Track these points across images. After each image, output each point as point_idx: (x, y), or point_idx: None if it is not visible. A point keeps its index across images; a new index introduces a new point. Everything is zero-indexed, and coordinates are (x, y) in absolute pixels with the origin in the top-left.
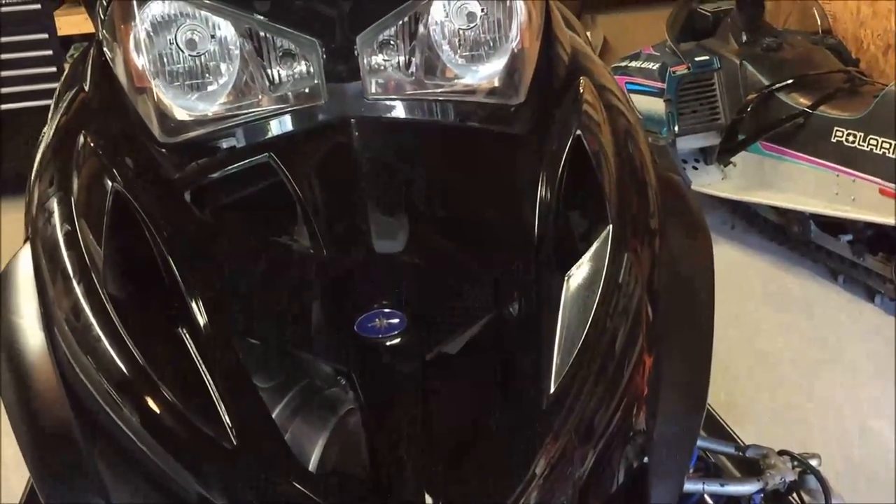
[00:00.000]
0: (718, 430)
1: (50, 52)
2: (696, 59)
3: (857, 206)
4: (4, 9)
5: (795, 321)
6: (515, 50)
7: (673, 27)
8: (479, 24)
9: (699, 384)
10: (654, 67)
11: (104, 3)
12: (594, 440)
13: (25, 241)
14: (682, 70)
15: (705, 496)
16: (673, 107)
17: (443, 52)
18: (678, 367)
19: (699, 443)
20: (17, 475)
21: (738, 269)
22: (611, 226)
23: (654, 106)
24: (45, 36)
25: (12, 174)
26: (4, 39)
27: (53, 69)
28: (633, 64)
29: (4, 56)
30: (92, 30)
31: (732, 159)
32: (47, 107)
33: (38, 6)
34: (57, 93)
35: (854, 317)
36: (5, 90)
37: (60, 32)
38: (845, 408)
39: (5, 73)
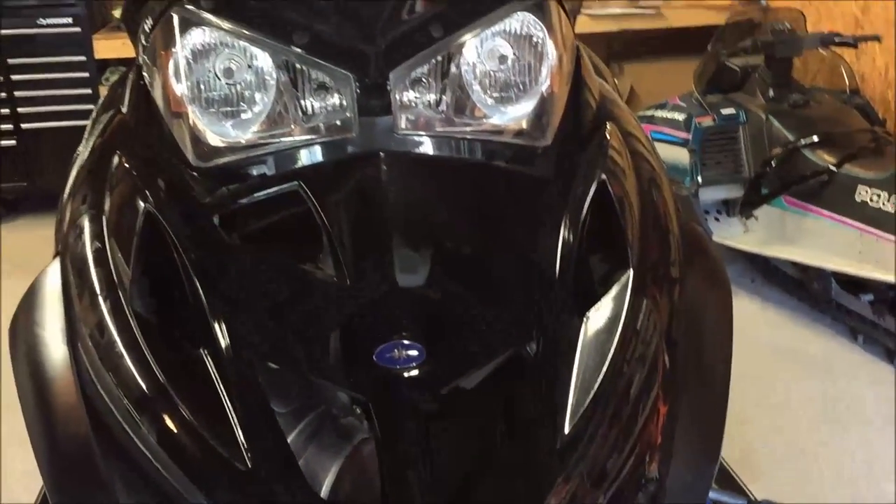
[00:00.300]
0: (730, 482)
1: (86, 75)
2: (723, 111)
3: (880, 267)
4: (46, 30)
5: (812, 379)
6: (545, 93)
7: (700, 79)
8: (509, 66)
9: (713, 436)
10: (680, 118)
11: (146, 29)
12: (606, 484)
13: (55, 257)
14: (707, 122)
15: None
16: (697, 157)
17: (473, 91)
18: (693, 417)
19: (711, 494)
20: (21, 485)
21: (755, 322)
22: (631, 271)
23: (678, 156)
24: (83, 58)
25: (41, 192)
26: (43, 60)
27: (89, 91)
28: (659, 113)
29: (42, 76)
30: (127, 54)
31: (755, 213)
32: (80, 127)
33: (77, 29)
34: (94, 114)
35: (873, 378)
36: (41, 109)
37: (98, 56)
38: (859, 469)
39: (42, 93)
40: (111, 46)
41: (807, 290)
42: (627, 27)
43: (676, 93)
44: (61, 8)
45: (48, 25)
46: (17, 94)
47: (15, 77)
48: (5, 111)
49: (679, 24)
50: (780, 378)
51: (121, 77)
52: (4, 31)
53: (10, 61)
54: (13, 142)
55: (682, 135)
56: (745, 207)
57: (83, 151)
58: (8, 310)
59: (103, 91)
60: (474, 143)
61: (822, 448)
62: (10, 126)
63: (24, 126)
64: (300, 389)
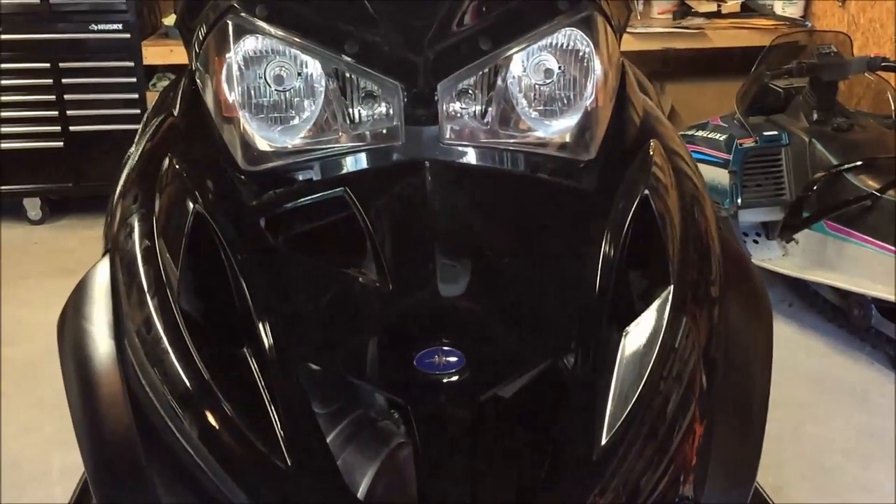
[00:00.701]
0: None
1: (134, 80)
2: (765, 133)
3: None
4: (97, 35)
5: (849, 408)
6: (589, 108)
7: (743, 100)
8: (555, 80)
9: (750, 459)
10: (721, 138)
11: (201, 36)
12: (641, 500)
13: (104, 255)
14: (749, 143)
15: None
16: (737, 179)
17: (518, 104)
18: (730, 439)
19: None
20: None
21: (792, 348)
22: (672, 286)
23: (718, 176)
24: (132, 64)
25: (86, 194)
26: (93, 64)
27: (136, 96)
28: (700, 133)
29: (91, 80)
30: (175, 61)
31: (795, 236)
32: (126, 131)
33: (127, 35)
34: (145, 117)
35: None
36: (89, 112)
37: (146, 62)
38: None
39: (90, 97)
40: (159, 53)
41: (846, 316)
42: (670, 46)
43: (717, 113)
44: (112, 14)
45: (99, 31)
46: (67, 97)
47: (65, 81)
48: (54, 113)
49: (722, 44)
50: (816, 406)
51: (172, 82)
52: (57, 36)
53: (62, 65)
54: (60, 144)
55: (723, 155)
56: (785, 231)
57: (134, 153)
58: (55, 307)
59: (150, 96)
60: (518, 154)
61: (858, 478)
62: (58, 128)
63: (71, 129)
64: (340, 392)
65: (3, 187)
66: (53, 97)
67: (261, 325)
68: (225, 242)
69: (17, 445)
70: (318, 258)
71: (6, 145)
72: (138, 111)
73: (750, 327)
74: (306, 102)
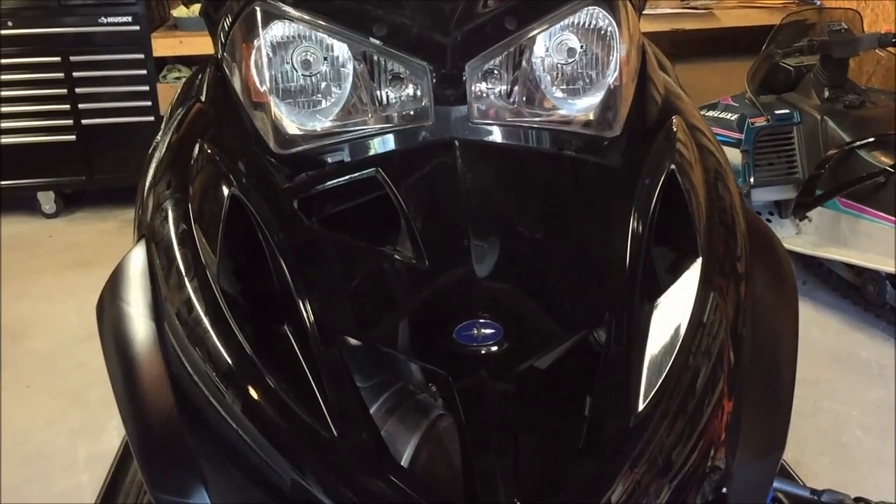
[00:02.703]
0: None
1: (144, 72)
2: (776, 111)
3: None
4: (107, 28)
5: (866, 384)
6: (612, 86)
7: (754, 79)
8: (577, 59)
9: (778, 432)
10: (733, 118)
11: (227, 25)
12: (673, 471)
13: (138, 241)
14: (761, 122)
15: None
16: (750, 158)
17: (542, 83)
18: (759, 413)
19: (774, 484)
20: (62, 474)
21: (808, 326)
22: (700, 258)
23: (730, 156)
24: (142, 56)
25: (99, 187)
26: (103, 57)
27: (146, 88)
28: (711, 113)
29: (102, 73)
30: (185, 53)
31: (808, 214)
32: (138, 123)
33: (136, 28)
34: (171, 106)
35: None
36: (100, 105)
37: (156, 54)
38: None
39: (101, 90)
40: (169, 45)
41: (861, 293)
42: (679, 27)
43: (727, 94)
44: (121, 7)
45: (108, 24)
46: (78, 90)
47: (76, 74)
48: (66, 107)
49: (730, 24)
50: (832, 383)
51: (195, 71)
52: (67, 30)
53: (72, 59)
54: (73, 137)
55: (735, 135)
56: (798, 209)
57: (161, 141)
58: (73, 300)
59: (161, 88)
60: (543, 132)
61: (876, 454)
62: (69, 121)
63: (83, 122)
64: (379, 365)
65: (17, 181)
66: (65, 91)
67: (301, 303)
68: (262, 224)
69: (44, 437)
70: (352, 237)
71: (19, 139)
72: (149, 103)
73: (775, 301)
74: (334, 86)
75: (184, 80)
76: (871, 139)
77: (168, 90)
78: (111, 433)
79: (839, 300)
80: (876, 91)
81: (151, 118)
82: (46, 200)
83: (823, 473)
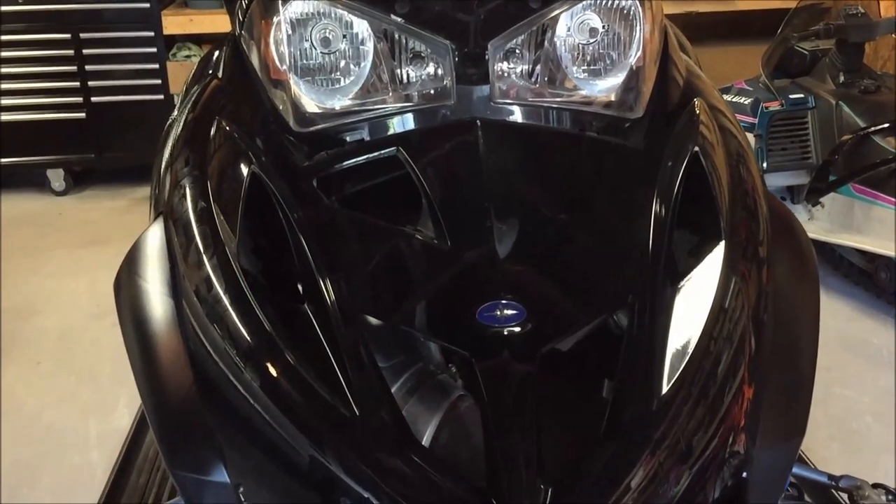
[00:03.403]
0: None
1: (154, 50)
2: (790, 96)
3: None
4: (116, 5)
5: (877, 371)
6: (634, 67)
7: (768, 63)
8: (599, 39)
9: (798, 419)
10: (747, 102)
11: (245, 2)
12: (694, 456)
13: (155, 218)
14: (775, 106)
15: None
16: (763, 142)
17: (564, 63)
18: (779, 399)
19: (793, 469)
20: (74, 450)
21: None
22: (724, 241)
23: None
24: (152, 34)
25: (108, 165)
26: (113, 35)
27: (156, 66)
28: (725, 97)
29: (112, 50)
30: (195, 31)
31: (821, 200)
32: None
33: (146, 5)
34: (186, 84)
35: None
36: (110, 83)
37: (166, 32)
38: None
39: (111, 67)
40: (179, 22)
41: (873, 280)
42: (693, 9)
43: (741, 77)
44: None
45: (119, 1)
46: (88, 68)
47: (86, 51)
48: (76, 84)
49: (746, 6)
50: (843, 369)
51: (211, 49)
52: (78, 7)
53: (82, 36)
54: (83, 115)
55: (748, 119)
56: (811, 194)
57: (178, 119)
58: (84, 277)
59: (171, 66)
60: (565, 113)
61: (887, 440)
62: (79, 99)
63: (93, 99)
64: (400, 345)
65: (27, 158)
66: (75, 68)
67: (322, 282)
68: (283, 202)
69: (56, 414)
70: (373, 216)
71: (29, 116)
72: (159, 81)
73: (798, 286)
74: (353, 64)
75: (193, 58)
76: (886, 125)
77: (178, 68)
78: (122, 410)
79: (851, 287)
80: (891, 76)
81: (161, 96)
82: (56, 178)
83: (833, 459)
